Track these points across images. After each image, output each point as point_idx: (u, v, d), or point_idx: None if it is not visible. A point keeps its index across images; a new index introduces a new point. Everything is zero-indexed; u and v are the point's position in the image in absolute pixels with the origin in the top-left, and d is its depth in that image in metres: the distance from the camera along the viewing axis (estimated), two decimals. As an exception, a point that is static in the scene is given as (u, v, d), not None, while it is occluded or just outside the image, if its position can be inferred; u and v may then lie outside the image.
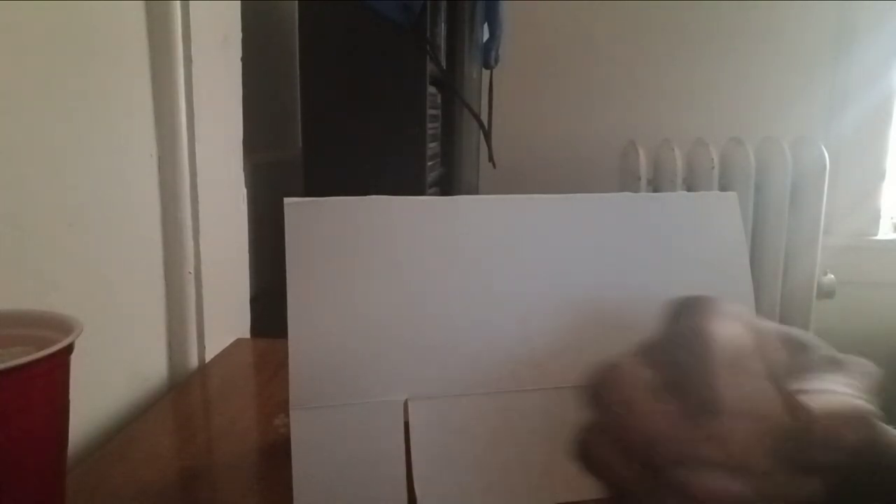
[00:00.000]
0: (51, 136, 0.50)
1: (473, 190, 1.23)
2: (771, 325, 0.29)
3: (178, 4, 0.64)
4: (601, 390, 0.26)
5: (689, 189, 1.43)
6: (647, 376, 0.25)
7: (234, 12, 0.79)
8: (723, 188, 1.41)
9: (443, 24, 0.99)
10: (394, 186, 0.89)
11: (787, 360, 0.27)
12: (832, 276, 1.55)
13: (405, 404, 0.40)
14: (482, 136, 1.09)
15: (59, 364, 0.36)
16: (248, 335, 0.82)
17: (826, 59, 1.60)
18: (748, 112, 1.60)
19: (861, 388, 0.26)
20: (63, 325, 0.38)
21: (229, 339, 0.77)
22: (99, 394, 0.56)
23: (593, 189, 0.44)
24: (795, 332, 0.29)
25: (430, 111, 0.94)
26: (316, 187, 0.93)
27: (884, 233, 1.69)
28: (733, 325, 0.26)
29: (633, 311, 0.42)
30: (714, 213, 0.44)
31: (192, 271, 0.68)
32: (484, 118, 1.09)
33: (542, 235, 0.42)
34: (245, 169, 0.82)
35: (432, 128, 0.96)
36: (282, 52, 1.05)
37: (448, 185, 1.07)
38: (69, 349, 0.36)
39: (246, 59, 0.81)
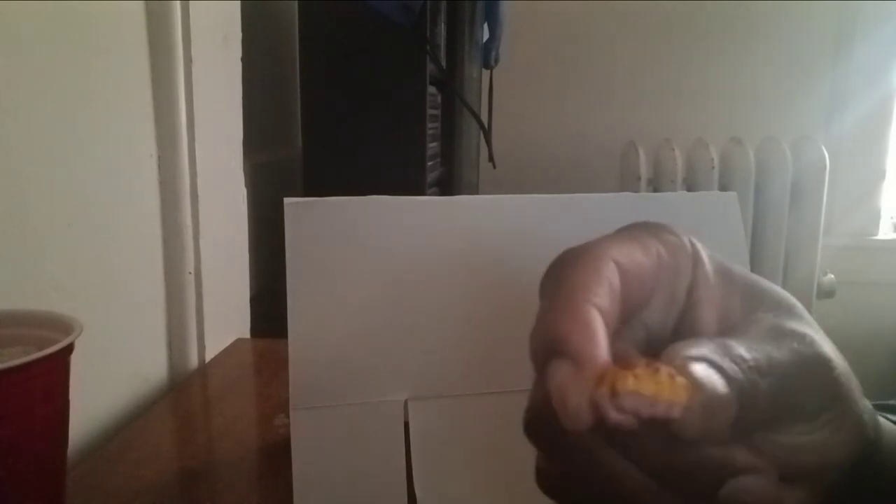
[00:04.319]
0: (51, 136, 0.50)
1: (473, 190, 1.23)
2: (741, 273, 0.25)
3: (178, 4, 0.64)
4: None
5: (689, 189, 1.43)
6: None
7: (234, 12, 0.79)
8: (723, 188, 1.41)
9: (443, 24, 0.99)
10: (394, 186, 0.89)
11: (740, 314, 0.23)
12: (832, 276, 1.55)
13: (405, 404, 0.40)
14: (482, 136, 1.09)
15: (59, 364, 0.36)
16: (248, 335, 0.82)
17: (826, 59, 1.60)
18: (748, 112, 1.60)
19: (763, 370, 0.21)
20: (63, 325, 0.38)
21: (229, 339, 0.77)
22: (99, 394, 0.56)
23: (593, 189, 0.44)
24: (770, 288, 0.24)
25: (430, 111, 0.94)
26: (316, 187, 0.93)
27: (884, 233, 1.69)
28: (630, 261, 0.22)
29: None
30: (714, 213, 0.44)
31: (192, 271, 0.68)
32: (484, 118, 1.09)
33: (542, 235, 0.42)
34: (245, 169, 0.82)
35: (432, 128, 0.96)
36: (282, 52, 1.05)
37: (448, 185, 1.07)
38: (69, 349, 0.36)
39: (246, 59, 0.81)
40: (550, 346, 0.20)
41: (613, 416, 0.19)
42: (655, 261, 0.23)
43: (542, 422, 0.22)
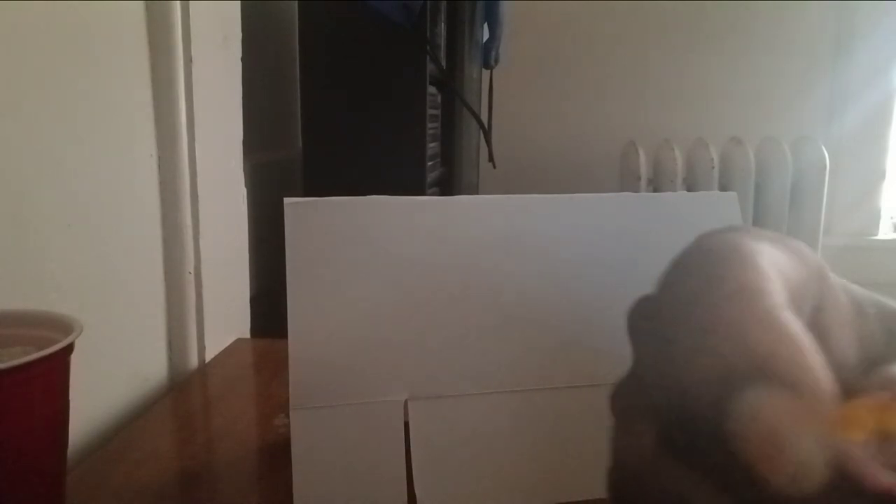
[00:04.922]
0: (51, 136, 0.50)
1: (473, 190, 1.23)
2: (865, 293, 0.20)
3: (178, 4, 0.63)
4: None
5: (689, 189, 1.43)
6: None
7: (234, 12, 0.79)
8: (723, 188, 1.41)
9: (443, 24, 0.99)
10: (394, 186, 0.90)
11: (883, 337, 0.19)
12: (832, 276, 1.55)
13: (405, 404, 0.40)
14: (482, 136, 1.09)
15: (59, 364, 0.36)
16: (248, 335, 0.82)
17: (826, 59, 1.60)
18: (748, 112, 1.60)
19: None
20: (63, 325, 0.38)
21: (229, 339, 0.77)
22: (99, 394, 0.56)
23: (593, 189, 0.44)
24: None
25: (430, 111, 0.94)
26: (316, 187, 0.93)
27: (884, 233, 1.69)
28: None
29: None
30: (714, 213, 0.44)
31: (192, 271, 0.68)
32: (484, 118, 1.09)
33: (542, 235, 0.42)
34: (245, 169, 0.82)
35: (432, 128, 0.96)
36: (282, 52, 1.05)
37: (448, 185, 1.07)
38: (69, 349, 0.36)
39: (246, 59, 0.81)
40: (746, 367, 0.14)
41: (886, 477, 0.12)
42: (797, 268, 0.18)
43: (649, 474, 0.16)
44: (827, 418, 0.13)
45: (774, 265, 0.17)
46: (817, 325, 0.18)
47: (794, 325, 0.15)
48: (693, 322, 0.16)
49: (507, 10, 1.17)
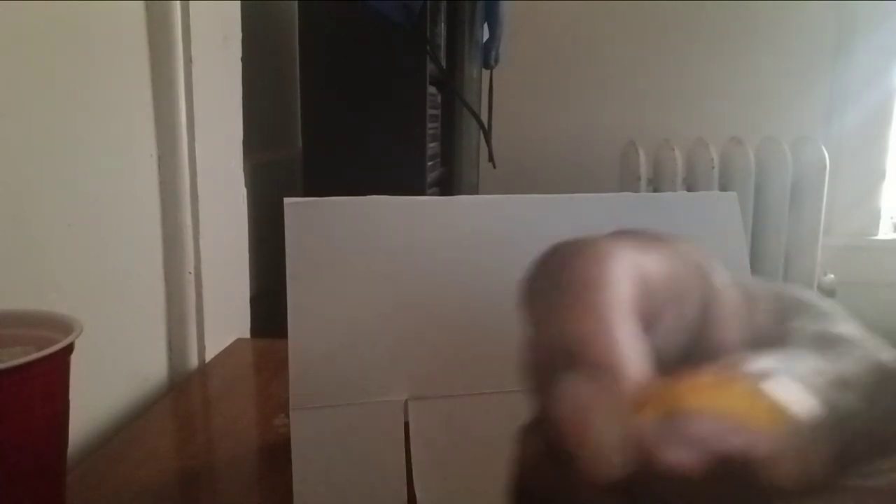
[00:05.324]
0: (51, 136, 0.50)
1: (473, 190, 1.23)
2: (765, 288, 0.20)
3: (178, 4, 0.64)
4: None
5: (689, 189, 1.43)
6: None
7: (234, 12, 0.79)
8: (723, 188, 1.41)
9: (443, 24, 0.99)
10: (394, 186, 0.89)
11: (773, 327, 0.19)
12: (832, 276, 1.55)
13: (405, 404, 0.40)
14: (482, 136, 1.09)
15: (58, 364, 0.36)
16: (248, 335, 0.82)
17: (826, 59, 1.60)
18: (748, 112, 1.61)
19: (844, 383, 0.15)
20: (63, 325, 0.38)
21: (229, 339, 0.77)
22: (99, 394, 0.56)
23: (593, 189, 0.44)
24: (798, 294, 0.20)
25: (430, 111, 0.94)
26: (316, 187, 0.93)
27: (884, 233, 1.69)
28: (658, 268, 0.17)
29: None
30: (714, 213, 0.44)
31: (192, 271, 0.68)
32: (484, 118, 1.09)
33: (542, 235, 0.42)
34: (245, 169, 0.82)
35: (432, 128, 0.96)
36: (282, 52, 1.05)
37: (448, 185, 1.07)
38: (69, 349, 0.36)
39: (246, 59, 0.81)
40: (558, 357, 0.14)
41: (671, 453, 0.12)
42: (668, 269, 0.18)
43: (538, 483, 0.16)
44: (625, 400, 0.13)
45: (633, 265, 0.16)
46: (704, 320, 0.18)
47: (613, 313, 0.15)
48: (531, 316, 0.16)
49: (507, 10, 1.17)
